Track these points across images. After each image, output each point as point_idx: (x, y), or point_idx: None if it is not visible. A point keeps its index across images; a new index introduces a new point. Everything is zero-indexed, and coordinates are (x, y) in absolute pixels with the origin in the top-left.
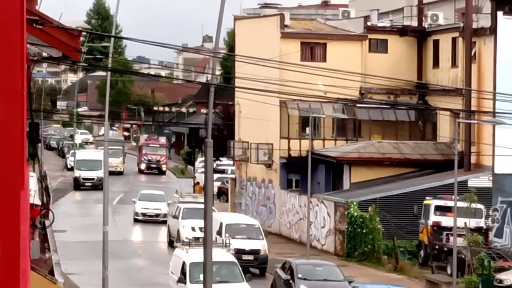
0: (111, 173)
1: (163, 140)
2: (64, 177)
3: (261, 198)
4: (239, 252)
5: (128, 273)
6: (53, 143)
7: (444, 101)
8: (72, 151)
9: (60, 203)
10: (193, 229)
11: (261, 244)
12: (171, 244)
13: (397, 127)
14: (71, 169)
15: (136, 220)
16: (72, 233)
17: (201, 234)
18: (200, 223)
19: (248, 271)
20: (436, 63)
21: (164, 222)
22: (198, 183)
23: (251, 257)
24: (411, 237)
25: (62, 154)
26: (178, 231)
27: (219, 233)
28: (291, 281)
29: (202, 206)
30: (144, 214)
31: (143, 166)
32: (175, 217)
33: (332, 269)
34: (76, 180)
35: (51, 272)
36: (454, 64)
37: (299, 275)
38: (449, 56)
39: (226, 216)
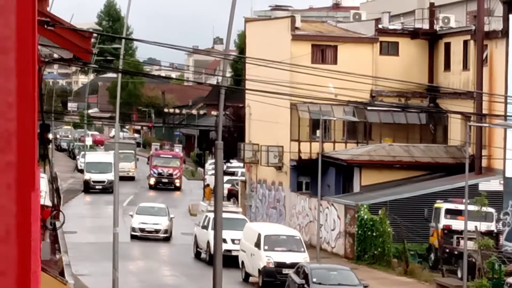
0: (123, 178)
1: (178, 149)
2: (75, 178)
3: (271, 201)
4: (279, 266)
5: (138, 274)
6: (64, 145)
7: (455, 104)
8: (82, 152)
9: (70, 204)
10: (225, 240)
11: (302, 257)
12: (198, 256)
13: (408, 130)
14: (82, 170)
15: (133, 237)
16: (83, 234)
17: (234, 246)
18: (232, 234)
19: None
20: (447, 66)
21: (166, 240)
22: (208, 185)
23: (292, 271)
24: (422, 241)
25: (72, 156)
26: (208, 242)
27: (257, 245)
28: (305, 286)
29: (233, 215)
30: (142, 230)
31: (152, 181)
32: (204, 227)
33: (347, 274)
34: (86, 182)
35: (62, 273)
36: (465, 67)
37: (314, 280)
38: (460, 59)
39: (264, 226)
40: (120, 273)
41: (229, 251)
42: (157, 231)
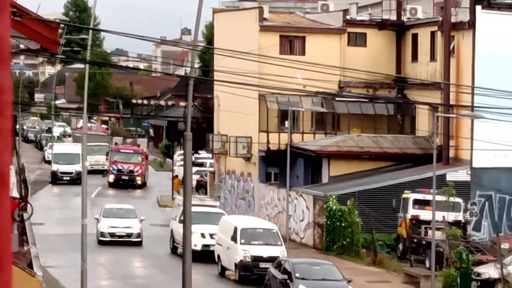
0: (96, 171)
1: (143, 143)
2: (42, 169)
3: (240, 192)
4: (256, 260)
5: (107, 266)
6: (31, 136)
7: (423, 95)
8: (50, 143)
9: (38, 195)
10: (203, 235)
11: (279, 251)
12: (174, 251)
13: (376, 120)
14: (49, 161)
15: (101, 243)
16: (51, 226)
17: (212, 241)
18: (210, 228)
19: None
20: (415, 57)
21: (139, 244)
22: (176, 176)
23: (269, 265)
24: (390, 231)
25: (40, 147)
26: None
27: (233, 238)
28: (288, 281)
29: (211, 209)
30: (112, 235)
31: (111, 178)
32: (182, 221)
33: (330, 268)
34: (53, 174)
35: (30, 265)
36: (432, 58)
37: (297, 275)
38: (427, 50)
39: (241, 219)
40: (89, 265)
41: (207, 246)
42: (129, 235)
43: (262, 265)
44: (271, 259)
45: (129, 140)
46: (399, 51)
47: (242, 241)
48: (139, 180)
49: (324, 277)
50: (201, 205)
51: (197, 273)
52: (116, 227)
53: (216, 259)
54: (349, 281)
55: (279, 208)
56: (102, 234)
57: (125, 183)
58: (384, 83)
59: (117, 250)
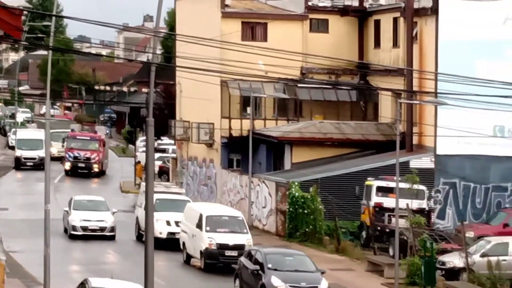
0: (63, 158)
1: (101, 130)
2: (6, 155)
3: (202, 178)
4: (221, 248)
5: (70, 251)
6: None
7: (386, 82)
8: (13, 129)
9: (1, 181)
10: (168, 223)
11: (245, 239)
12: (140, 238)
13: (339, 107)
14: (13, 147)
15: (73, 237)
16: (14, 211)
17: (177, 229)
18: (176, 216)
19: (230, 268)
20: (377, 43)
21: (112, 238)
22: (139, 162)
23: (235, 253)
24: (353, 218)
25: (3, 133)
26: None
27: (199, 226)
28: (260, 272)
29: (177, 196)
30: (84, 229)
31: (67, 166)
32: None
33: (303, 259)
34: (17, 159)
35: None
36: (395, 44)
37: (269, 265)
38: (390, 36)
39: (206, 207)
40: (52, 250)
41: (173, 233)
42: (102, 229)
43: (228, 253)
44: (237, 247)
45: (86, 127)
46: (361, 37)
47: (208, 228)
48: (96, 168)
49: (297, 268)
50: (166, 192)
51: (162, 260)
52: (88, 220)
53: (182, 247)
54: (322, 273)
55: (242, 195)
56: (74, 228)
57: (81, 170)
58: (346, 70)
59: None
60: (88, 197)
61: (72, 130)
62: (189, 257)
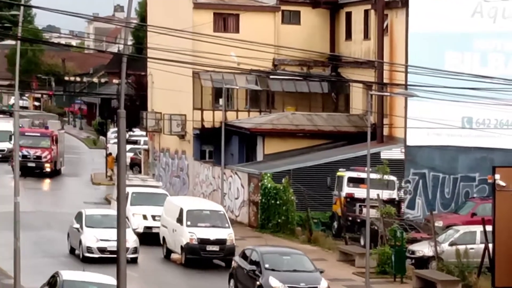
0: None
1: (54, 125)
2: None
3: (174, 169)
4: (202, 242)
5: (40, 244)
6: None
7: (357, 74)
8: None
9: None
10: (145, 217)
11: (227, 233)
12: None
13: (311, 99)
14: None
15: (87, 260)
16: None
17: (154, 223)
18: (153, 210)
19: (212, 263)
20: (348, 36)
21: (134, 261)
22: (110, 154)
23: (216, 248)
24: (325, 209)
25: None
26: (127, 219)
27: (179, 220)
28: (257, 272)
29: (153, 190)
30: (102, 250)
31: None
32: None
33: (300, 258)
34: None
35: None
36: (366, 36)
37: (266, 266)
38: (361, 28)
39: (186, 201)
40: (22, 243)
41: (150, 228)
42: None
43: (209, 247)
44: (219, 242)
45: (37, 122)
46: (333, 29)
47: (188, 223)
48: (47, 167)
49: (295, 268)
50: (143, 186)
51: (140, 256)
52: (106, 240)
53: (161, 242)
54: (321, 272)
55: (214, 186)
56: (89, 250)
57: (31, 170)
58: (318, 62)
59: (50, 230)
60: (102, 211)
61: (21, 126)
62: (169, 252)
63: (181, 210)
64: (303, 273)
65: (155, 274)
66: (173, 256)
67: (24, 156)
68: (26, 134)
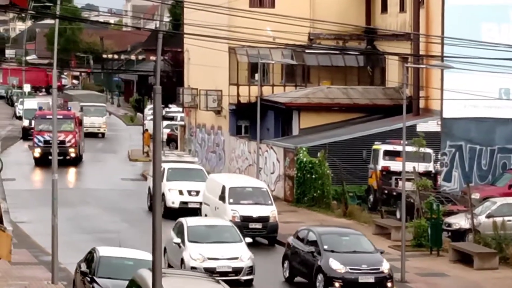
0: (92, 134)
1: (76, 106)
2: (13, 125)
3: (210, 145)
4: (245, 220)
5: (78, 220)
6: (2, 92)
7: (393, 46)
8: (20, 99)
9: (9, 151)
10: (181, 192)
11: (270, 210)
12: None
13: (346, 72)
14: (20, 117)
15: None
16: (21, 181)
17: (190, 198)
18: (188, 185)
19: (254, 241)
20: (384, 8)
21: (249, 284)
22: (147, 130)
23: (259, 225)
24: (361, 182)
25: (11, 103)
26: (163, 194)
27: (222, 198)
28: (315, 254)
29: (189, 165)
30: (211, 271)
31: (37, 152)
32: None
33: (359, 239)
34: (24, 129)
35: (0, 221)
36: (402, 9)
37: (325, 247)
38: (397, 1)
39: (228, 178)
40: (60, 220)
41: (186, 203)
42: (237, 271)
43: (252, 225)
44: (261, 219)
45: (59, 102)
46: (368, 2)
47: (231, 200)
48: (72, 153)
49: (355, 249)
50: (179, 161)
51: None
52: (216, 258)
53: None
54: (381, 252)
55: (250, 161)
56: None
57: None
58: (353, 35)
59: (87, 206)
60: (207, 221)
61: (40, 108)
62: None
63: (223, 188)
64: (363, 254)
65: None
66: None
67: (46, 142)
68: (47, 117)
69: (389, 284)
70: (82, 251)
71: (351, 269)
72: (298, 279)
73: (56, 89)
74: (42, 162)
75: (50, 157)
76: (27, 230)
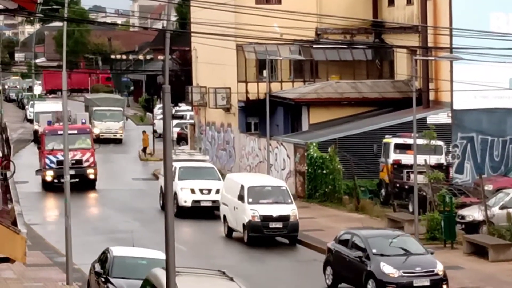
0: (108, 140)
1: (83, 116)
2: (25, 128)
3: (220, 143)
4: (265, 220)
5: (90, 221)
6: (13, 95)
7: (401, 39)
8: (31, 102)
9: (21, 154)
10: (193, 191)
11: (290, 209)
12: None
13: (354, 66)
14: (31, 120)
15: None
16: (34, 184)
17: (202, 197)
18: (200, 184)
19: (275, 241)
20: (391, 1)
21: None
22: (144, 131)
23: (279, 225)
24: (372, 176)
25: (21, 106)
26: (175, 193)
27: (240, 197)
28: (364, 259)
29: (200, 164)
30: None
31: (49, 176)
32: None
33: (408, 240)
34: (36, 132)
35: (14, 223)
36: (409, 1)
37: (374, 251)
38: None
39: (247, 177)
40: (73, 221)
41: (198, 201)
42: None
43: (272, 225)
44: (282, 218)
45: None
46: None
47: (250, 200)
48: (91, 174)
49: (405, 252)
50: (190, 160)
51: (203, 235)
52: None
53: (222, 220)
54: (431, 253)
55: (260, 158)
56: None
57: (71, 180)
58: (361, 29)
59: (99, 207)
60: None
61: (49, 123)
62: (230, 230)
63: (242, 187)
64: (415, 256)
65: (199, 246)
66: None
67: (60, 163)
68: (59, 132)
69: (444, 287)
70: (96, 252)
71: (404, 273)
72: (342, 285)
73: (66, 91)
74: (55, 187)
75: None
76: (41, 232)
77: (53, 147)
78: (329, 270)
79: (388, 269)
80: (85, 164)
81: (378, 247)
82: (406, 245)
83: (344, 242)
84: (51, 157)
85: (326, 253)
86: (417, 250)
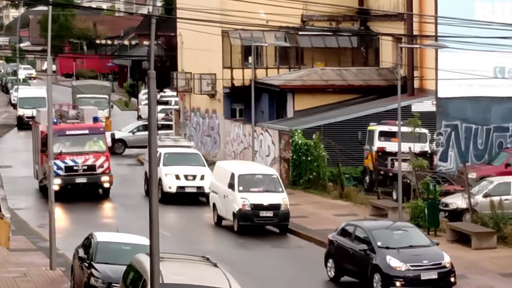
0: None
1: (93, 111)
2: (9, 112)
3: (205, 129)
4: (256, 208)
5: (74, 207)
6: None
7: (386, 27)
8: (15, 86)
9: (5, 139)
10: (178, 177)
11: (281, 198)
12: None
13: (340, 53)
14: (15, 105)
15: None
16: (18, 168)
17: (187, 183)
18: (185, 169)
19: (265, 230)
20: None
21: None
22: (108, 117)
23: (270, 214)
24: (356, 164)
25: (6, 90)
26: (160, 180)
27: (231, 185)
28: (369, 252)
29: (185, 150)
30: None
31: (56, 185)
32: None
33: (413, 232)
34: (19, 119)
35: None
36: None
37: (379, 243)
38: None
39: (237, 165)
40: (57, 207)
41: (183, 187)
42: None
43: (263, 213)
44: (272, 207)
45: (72, 112)
46: None
47: (240, 188)
48: (106, 182)
49: (410, 244)
50: (175, 146)
51: (187, 221)
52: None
53: (212, 208)
54: (436, 244)
55: (245, 144)
56: None
57: (82, 189)
58: (347, 16)
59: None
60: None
61: (56, 122)
62: (220, 218)
63: (233, 175)
64: (420, 248)
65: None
66: None
67: (68, 169)
68: (67, 133)
69: (452, 279)
70: (80, 237)
71: (412, 266)
72: (345, 278)
73: (51, 76)
74: (64, 197)
75: (69, 187)
76: (24, 216)
77: (61, 151)
78: (330, 262)
79: (394, 263)
80: (99, 171)
81: (382, 240)
82: (412, 237)
83: (347, 234)
84: (58, 162)
85: (327, 245)
86: (422, 242)
